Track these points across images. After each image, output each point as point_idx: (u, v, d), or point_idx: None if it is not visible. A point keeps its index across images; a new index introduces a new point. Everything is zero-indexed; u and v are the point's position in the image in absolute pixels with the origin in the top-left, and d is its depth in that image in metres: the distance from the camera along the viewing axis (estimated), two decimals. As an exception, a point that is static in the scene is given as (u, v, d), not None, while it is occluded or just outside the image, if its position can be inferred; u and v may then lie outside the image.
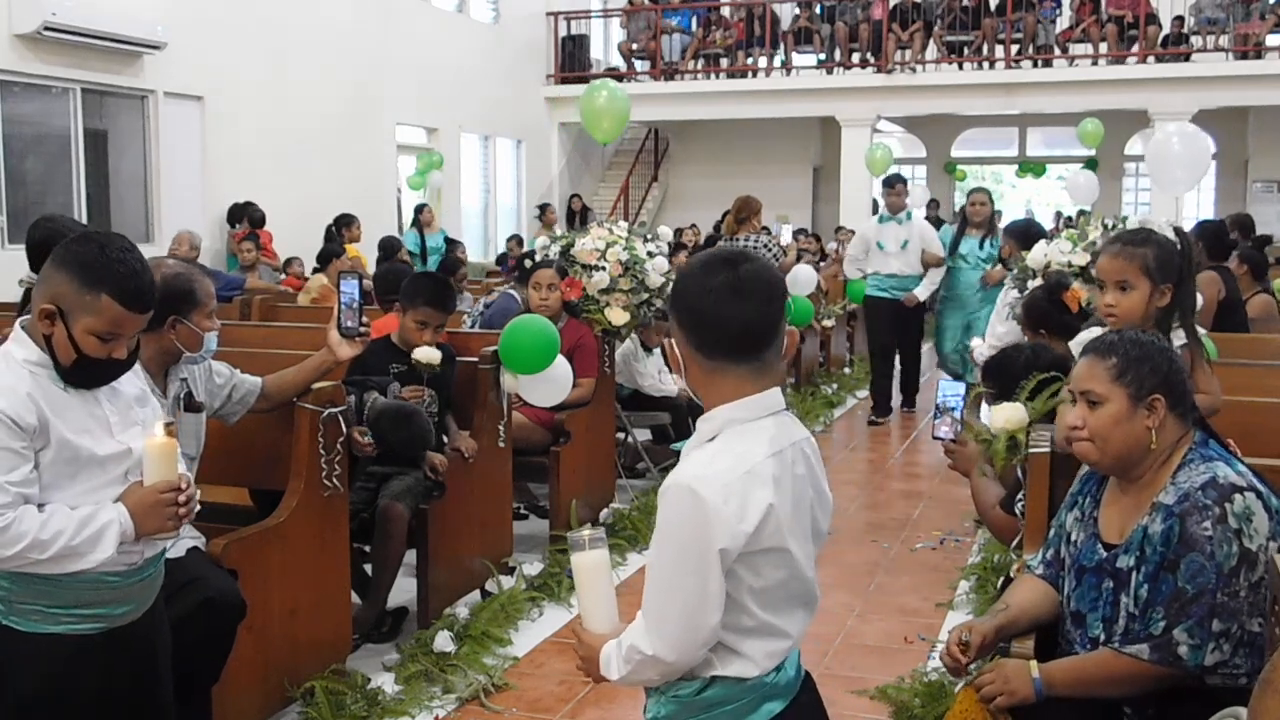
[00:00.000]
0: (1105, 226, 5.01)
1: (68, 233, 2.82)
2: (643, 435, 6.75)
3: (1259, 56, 14.18)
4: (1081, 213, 8.38)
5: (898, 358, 8.84)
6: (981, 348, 5.31)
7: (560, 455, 5.19)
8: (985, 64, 15.05)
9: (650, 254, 5.69)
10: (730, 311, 1.82)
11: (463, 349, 4.73)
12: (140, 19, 9.62)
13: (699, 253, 2.26)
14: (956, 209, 15.26)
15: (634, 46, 16.51)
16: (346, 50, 12.30)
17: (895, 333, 8.59)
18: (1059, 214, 15.72)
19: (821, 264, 11.64)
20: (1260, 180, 17.24)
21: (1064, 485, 2.75)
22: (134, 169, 10.29)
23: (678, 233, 12.93)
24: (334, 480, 3.63)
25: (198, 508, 2.44)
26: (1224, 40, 14.50)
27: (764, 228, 8.34)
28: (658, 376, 6.60)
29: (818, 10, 15.96)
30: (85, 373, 2.31)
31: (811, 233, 15.23)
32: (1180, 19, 14.92)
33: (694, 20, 16.78)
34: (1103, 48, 14.61)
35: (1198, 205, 17.01)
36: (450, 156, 14.16)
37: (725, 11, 16.47)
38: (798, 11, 16.12)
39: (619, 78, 15.63)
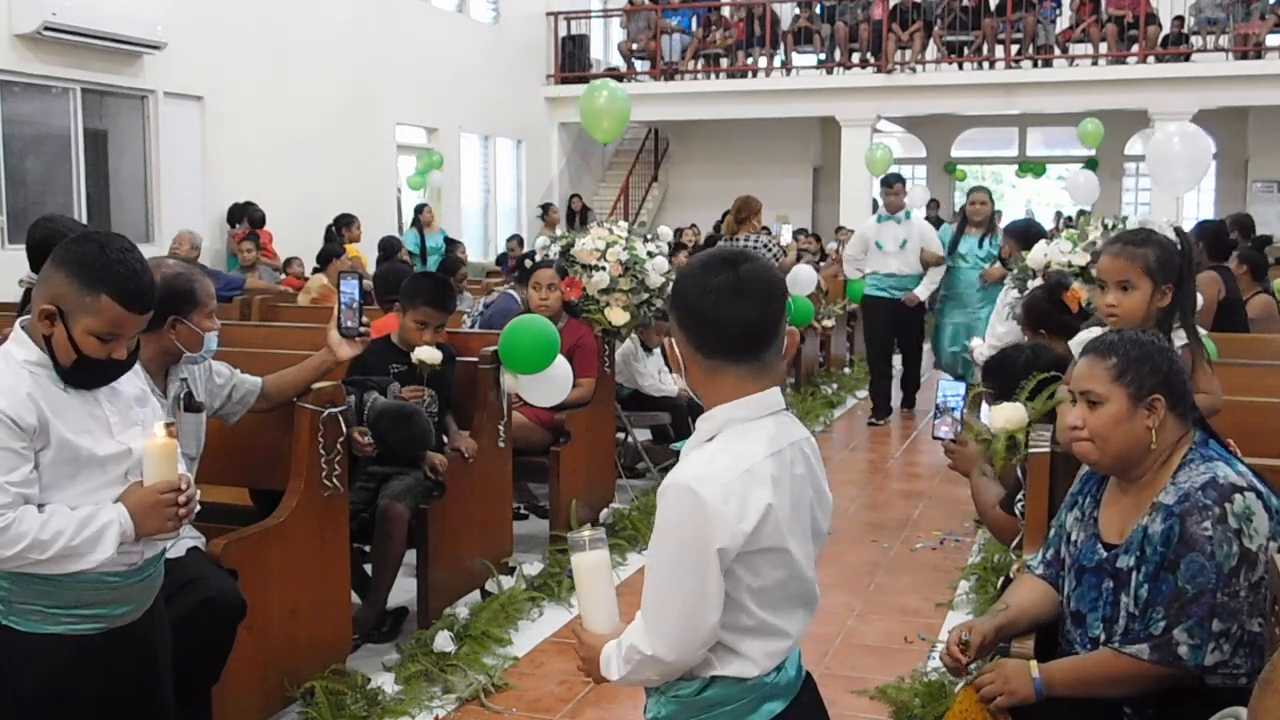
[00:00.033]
0: (1105, 227, 5.01)
1: (68, 233, 2.82)
2: (643, 435, 6.75)
3: (1259, 56, 14.19)
4: (1081, 213, 8.38)
5: (898, 357, 8.85)
6: (981, 348, 5.32)
7: (560, 455, 5.19)
8: (985, 64, 15.05)
9: (650, 254, 5.68)
10: (730, 311, 1.81)
11: (463, 349, 4.73)
12: (140, 19, 9.62)
13: (699, 253, 2.26)
14: (956, 209, 15.26)
15: (634, 46, 16.51)
16: (346, 50, 12.30)
17: (894, 332, 8.60)
18: (1059, 214, 15.71)
19: (821, 264, 11.64)
20: (1260, 180, 17.24)
21: (1064, 485, 2.75)
22: (134, 169, 10.30)
23: (678, 233, 12.93)
24: (334, 480, 3.63)
25: (198, 508, 2.44)
26: (1224, 40, 14.51)
27: (764, 228, 8.34)
28: (658, 376, 6.60)
29: (818, 10, 15.96)
30: (85, 373, 2.31)
31: (811, 233, 15.23)
32: (1180, 19, 14.93)
33: (694, 20, 16.78)
34: (1103, 48, 14.61)
35: (1198, 205, 17.01)
36: (450, 156, 14.16)
37: (725, 11, 16.47)
38: (798, 11, 16.13)
39: (619, 78, 15.63)
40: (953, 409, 3.14)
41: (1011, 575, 2.96)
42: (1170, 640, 2.23)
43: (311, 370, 3.56)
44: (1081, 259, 4.82)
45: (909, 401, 8.91)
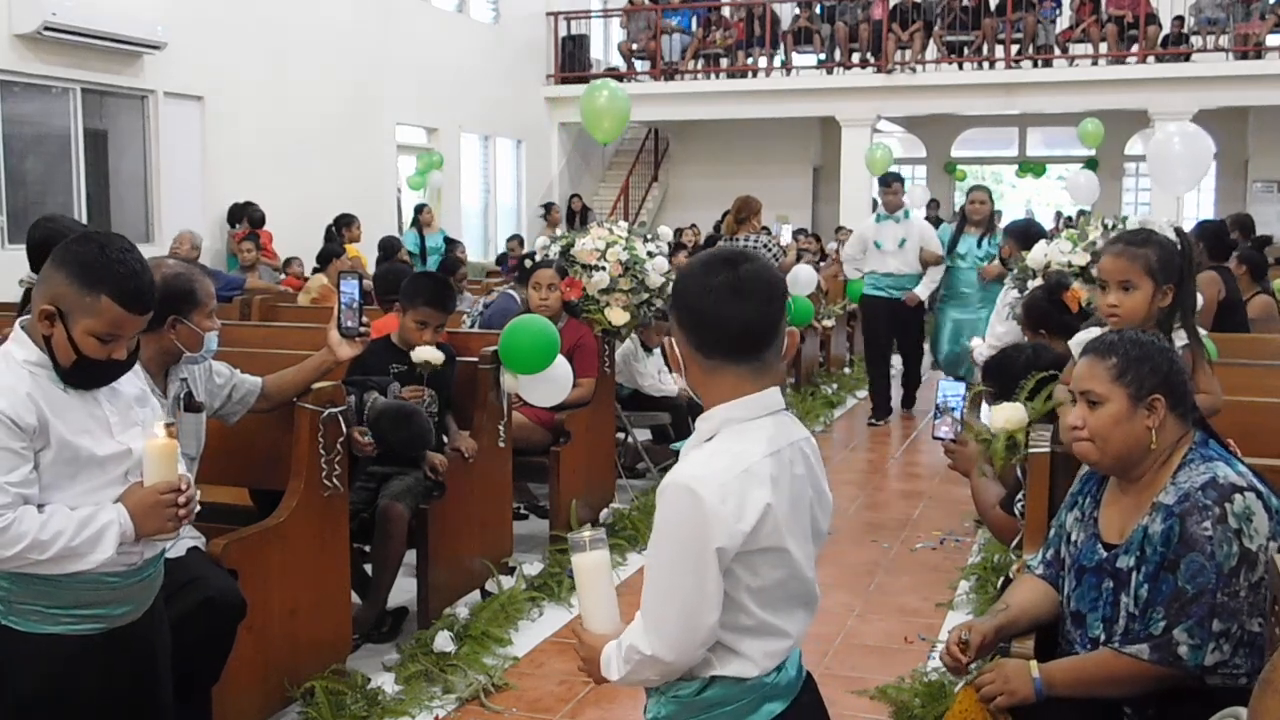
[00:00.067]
0: (1105, 227, 5.01)
1: (68, 233, 2.82)
2: (643, 435, 6.75)
3: (1259, 56, 14.18)
4: (1081, 213, 8.38)
5: (898, 357, 8.84)
6: (981, 348, 5.32)
7: (560, 455, 5.19)
8: (985, 64, 15.05)
9: (650, 254, 5.68)
10: (730, 311, 1.81)
11: (463, 349, 4.73)
12: (140, 19, 9.62)
13: (699, 253, 2.26)
14: (956, 209, 15.26)
15: (634, 46, 16.51)
16: (346, 50, 12.30)
17: (893, 332, 8.59)
18: (1059, 214, 15.70)
19: (821, 264, 11.64)
20: (1260, 180, 17.24)
21: (1064, 485, 2.75)
22: (134, 169, 10.30)
23: (678, 233, 12.93)
24: (334, 480, 3.63)
25: (198, 508, 2.44)
26: (1224, 40, 14.51)
27: (764, 228, 8.34)
28: (658, 376, 6.60)
29: (818, 10, 15.96)
30: (85, 373, 2.31)
31: (811, 233, 15.23)
32: (1180, 19, 14.92)
33: (694, 20, 16.78)
34: (1103, 48, 14.61)
35: (1198, 205, 17.01)
36: (450, 156, 14.16)
37: (725, 11, 16.47)
38: (798, 11, 16.13)
39: (619, 78, 15.62)
40: (953, 409, 3.14)
41: (1011, 575, 2.96)
42: (1170, 640, 2.23)
43: (311, 370, 3.56)
44: (1081, 259, 4.82)
45: (909, 401, 8.91)
